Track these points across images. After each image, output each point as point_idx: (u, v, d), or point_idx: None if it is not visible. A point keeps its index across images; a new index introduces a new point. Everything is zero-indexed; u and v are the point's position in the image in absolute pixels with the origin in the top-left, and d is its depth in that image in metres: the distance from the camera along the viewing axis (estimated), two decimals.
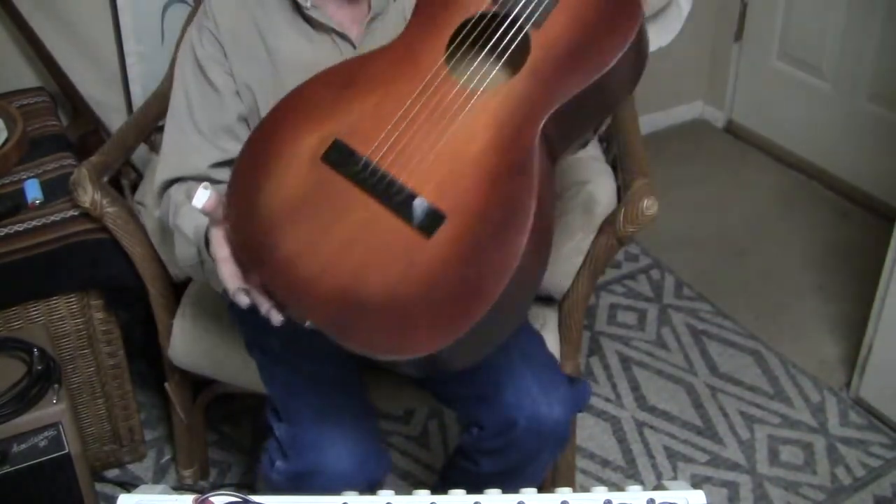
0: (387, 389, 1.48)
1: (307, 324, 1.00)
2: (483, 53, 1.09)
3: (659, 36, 1.35)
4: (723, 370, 2.18)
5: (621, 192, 1.54)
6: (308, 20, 1.31)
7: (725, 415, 2.05)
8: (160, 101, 1.77)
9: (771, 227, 2.69)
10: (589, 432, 2.00)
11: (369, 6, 1.32)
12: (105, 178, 1.56)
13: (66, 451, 1.49)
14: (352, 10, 1.32)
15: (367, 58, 1.14)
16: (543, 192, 0.98)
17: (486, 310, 0.92)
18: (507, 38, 1.07)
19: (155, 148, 1.81)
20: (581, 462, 1.90)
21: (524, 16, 1.05)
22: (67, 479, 1.52)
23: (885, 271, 1.94)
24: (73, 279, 1.63)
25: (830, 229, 2.67)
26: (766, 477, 1.90)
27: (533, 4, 1.05)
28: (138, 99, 2.06)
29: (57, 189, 1.68)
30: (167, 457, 1.93)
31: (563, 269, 1.54)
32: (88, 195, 1.51)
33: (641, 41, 1.04)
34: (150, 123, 1.77)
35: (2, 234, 1.60)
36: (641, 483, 1.84)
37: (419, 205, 1.00)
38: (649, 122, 2.98)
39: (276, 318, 1.04)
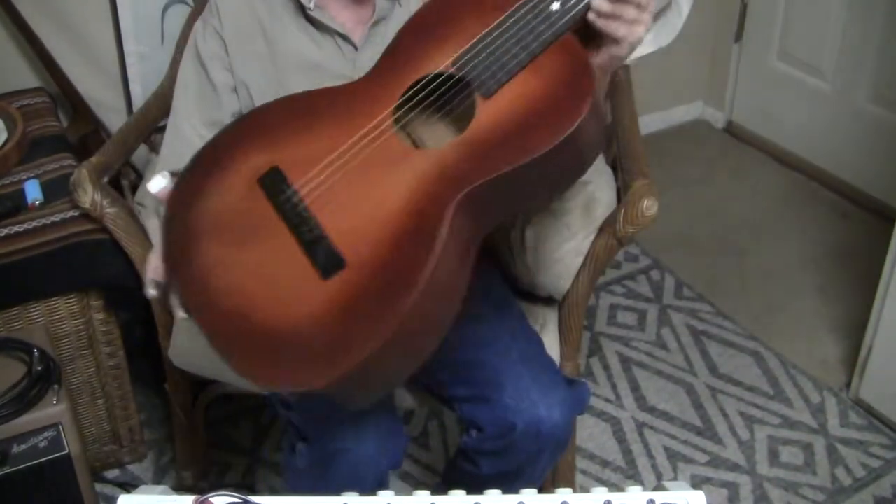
0: None
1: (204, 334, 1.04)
2: (429, 112, 1.10)
3: (659, 37, 1.35)
4: (723, 371, 2.18)
5: (621, 192, 1.54)
6: (312, 21, 1.32)
7: (725, 415, 2.05)
8: (160, 102, 1.77)
9: (771, 228, 2.69)
10: (589, 433, 2.00)
11: (374, 9, 1.32)
12: (105, 179, 1.56)
13: (66, 451, 1.49)
14: (356, 11, 1.33)
15: (332, 91, 1.14)
16: (447, 264, 0.97)
17: (355, 364, 0.94)
18: (454, 102, 1.07)
19: (155, 148, 1.81)
20: (581, 462, 1.90)
21: (476, 83, 1.03)
22: (67, 480, 1.52)
23: (885, 272, 1.94)
24: (73, 280, 1.62)
25: (830, 230, 2.67)
26: (765, 477, 1.90)
27: (489, 73, 1.03)
28: (138, 99, 2.06)
29: (57, 190, 1.68)
30: (167, 457, 1.93)
31: (563, 269, 1.53)
32: (88, 196, 1.51)
33: (585, 129, 1.00)
34: (150, 124, 1.77)
35: (2, 234, 1.60)
36: (641, 484, 1.84)
37: (324, 247, 1.02)
38: (649, 122, 2.98)
39: (179, 315, 1.08)
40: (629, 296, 2.42)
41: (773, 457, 1.95)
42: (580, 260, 1.51)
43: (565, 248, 1.54)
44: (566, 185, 1.14)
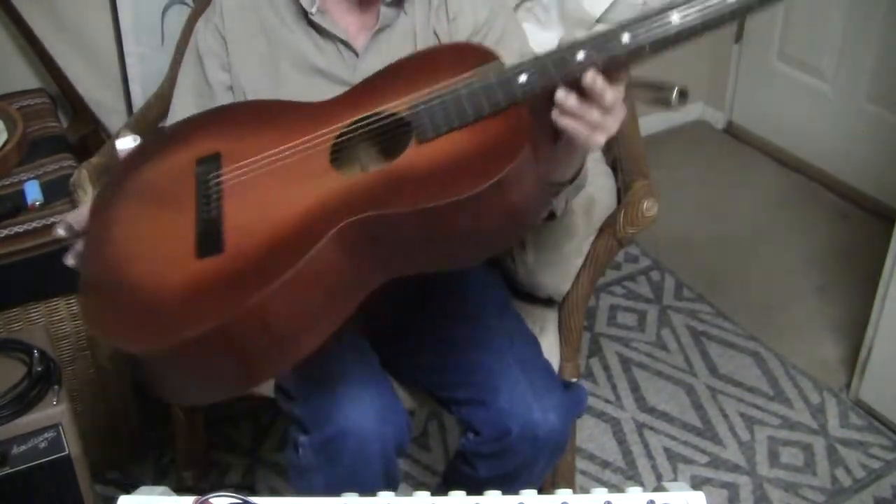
0: None
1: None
2: (367, 144, 1.13)
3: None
4: (723, 371, 2.18)
5: (621, 193, 1.54)
6: (314, 26, 1.32)
7: (725, 416, 2.05)
8: (160, 102, 1.77)
9: (771, 228, 2.69)
10: (589, 433, 2.00)
11: (377, 16, 1.32)
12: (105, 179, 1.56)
13: (66, 452, 1.49)
14: (360, 17, 1.33)
15: (299, 104, 1.19)
16: (305, 285, 0.98)
17: (179, 341, 0.96)
18: (391, 140, 1.09)
19: None
20: (581, 463, 1.90)
21: (418, 128, 1.04)
22: (67, 481, 1.52)
23: (885, 272, 1.94)
24: (73, 280, 1.61)
25: (830, 230, 2.67)
26: (766, 478, 1.90)
27: (430, 122, 1.04)
28: (138, 100, 2.06)
29: (57, 190, 1.68)
30: (167, 458, 1.93)
31: (563, 270, 1.54)
32: (88, 196, 1.51)
33: (504, 191, 0.98)
34: (150, 124, 1.77)
35: (2, 235, 1.60)
36: (641, 484, 1.84)
37: (213, 229, 1.05)
38: (649, 123, 2.98)
39: (70, 261, 1.15)
40: (629, 296, 2.42)
41: (774, 457, 1.95)
42: (580, 261, 1.51)
43: (565, 249, 1.54)
44: (484, 250, 1.10)
